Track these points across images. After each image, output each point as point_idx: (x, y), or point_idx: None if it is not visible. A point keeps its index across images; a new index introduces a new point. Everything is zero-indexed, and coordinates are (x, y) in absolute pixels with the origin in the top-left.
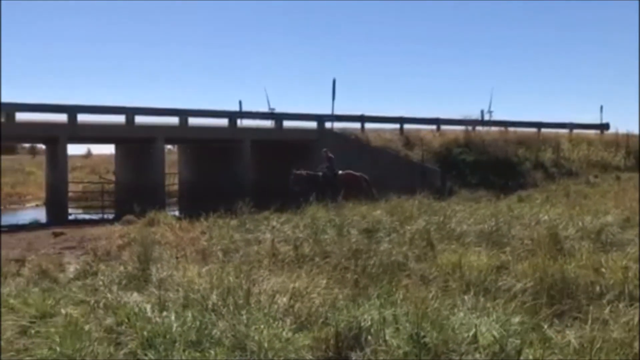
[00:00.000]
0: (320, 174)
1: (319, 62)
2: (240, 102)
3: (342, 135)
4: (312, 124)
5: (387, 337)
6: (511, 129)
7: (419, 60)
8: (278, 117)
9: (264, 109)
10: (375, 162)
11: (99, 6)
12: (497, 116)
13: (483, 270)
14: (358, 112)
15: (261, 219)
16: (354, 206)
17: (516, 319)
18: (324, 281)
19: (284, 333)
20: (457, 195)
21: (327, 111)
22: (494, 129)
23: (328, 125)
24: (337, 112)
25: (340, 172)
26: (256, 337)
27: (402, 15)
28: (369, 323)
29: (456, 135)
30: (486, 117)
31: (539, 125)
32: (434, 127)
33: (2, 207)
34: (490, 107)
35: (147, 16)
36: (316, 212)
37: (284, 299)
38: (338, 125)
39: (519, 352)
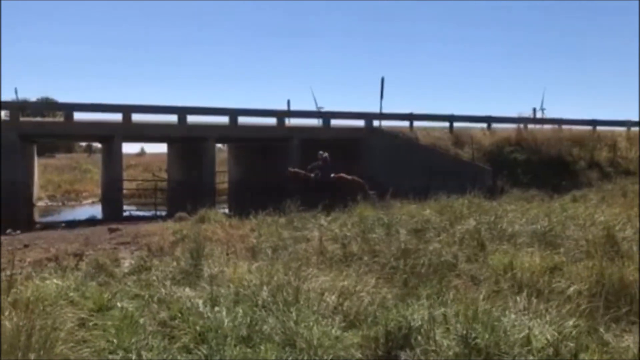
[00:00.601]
0: (313, 175)
1: (368, 60)
2: (288, 102)
3: (390, 134)
4: (360, 123)
5: (437, 338)
6: (565, 127)
7: (470, 58)
8: (326, 116)
9: (312, 108)
10: (424, 160)
11: (152, 9)
12: (550, 114)
13: (536, 272)
14: (407, 111)
15: (309, 217)
16: (402, 205)
17: (570, 322)
18: (373, 280)
19: (333, 331)
20: (509, 195)
21: (375, 110)
22: (547, 127)
23: (376, 123)
24: (386, 110)
25: (332, 175)
26: (306, 335)
27: (453, 13)
28: (419, 323)
29: (508, 133)
30: (539, 115)
31: (594, 123)
32: (484, 125)
33: (59, 204)
34: (542, 104)
35: (199, 19)
36: (364, 211)
37: (333, 297)
38: (386, 123)
39: (575, 356)
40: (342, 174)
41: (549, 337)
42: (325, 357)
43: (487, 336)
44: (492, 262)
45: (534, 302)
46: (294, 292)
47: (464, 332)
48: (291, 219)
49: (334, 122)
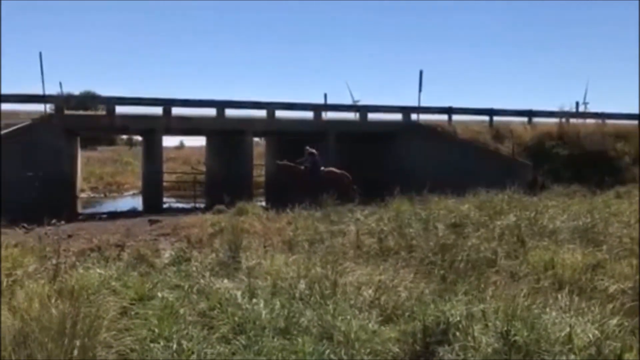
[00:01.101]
0: (303, 167)
1: (406, 53)
2: (325, 95)
3: (429, 128)
4: (397, 117)
5: (475, 334)
6: (609, 121)
7: (511, 51)
8: (363, 110)
9: (349, 101)
10: (463, 155)
11: (190, 5)
12: (594, 108)
13: (577, 269)
14: (445, 104)
15: (345, 211)
16: (440, 200)
17: (614, 321)
18: (410, 275)
19: (370, 325)
20: (550, 191)
21: (413, 103)
22: (590, 121)
23: (414, 117)
24: (424, 104)
25: (322, 168)
26: (343, 328)
27: (492, 5)
28: (457, 319)
29: (549, 127)
30: (581, 109)
31: (639, 117)
32: (525, 119)
33: (101, 195)
34: (585, 98)
35: (236, 14)
36: (401, 206)
37: (370, 291)
38: (424, 117)
39: (619, 356)
40: (332, 169)
41: (591, 336)
42: (362, 351)
43: (526, 334)
44: (532, 259)
45: (575, 300)
46: (331, 285)
47: (504, 329)
48: (327, 212)
49: (371, 116)
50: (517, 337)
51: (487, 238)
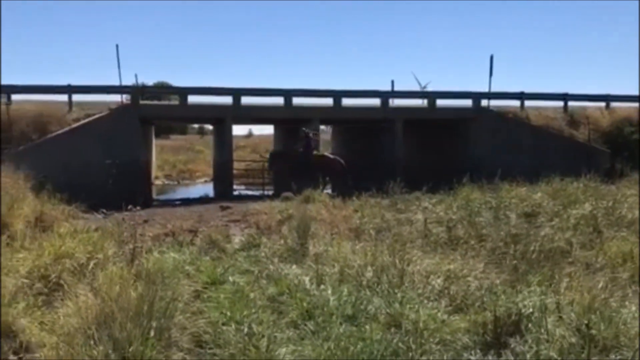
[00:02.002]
0: (300, 150)
1: (476, 38)
2: (392, 82)
3: (500, 114)
4: (467, 102)
5: (549, 326)
6: None
7: (586, 33)
8: (431, 96)
9: (417, 88)
10: (536, 142)
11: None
12: None
13: None
14: (517, 89)
15: (412, 199)
16: (511, 188)
17: None
18: (480, 265)
19: (439, 314)
20: (629, 179)
21: (484, 89)
22: None
23: (484, 103)
24: (495, 89)
25: (315, 153)
26: (411, 316)
27: None
28: (530, 310)
29: (628, 112)
30: None
31: None
32: (602, 104)
33: (174, 182)
34: None
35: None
36: (470, 194)
37: (439, 281)
38: (495, 103)
39: None
40: (325, 154)
41: None
42: (431, 340)
43: (604, 327)
44: (609, 250)
45: None
46: (398, 273)
47: (580, 322)
48: (394, 200)
49: (440, 103)
50: (593, 331)
51: (561, 228)
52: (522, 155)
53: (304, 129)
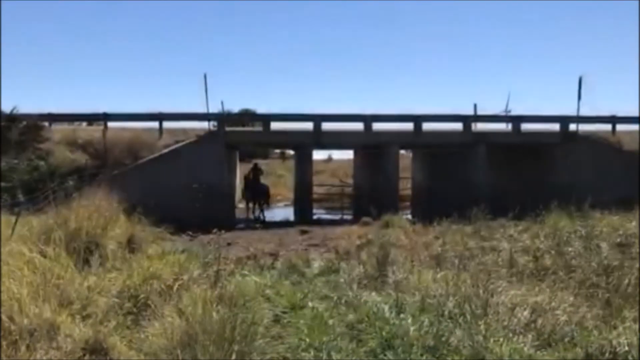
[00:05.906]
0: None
1: (564, 58)
2: (475, 105)
3: (589, 138)
4: (554, 127)
5: None
6: None
7: None
8: (516, 120)
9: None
10: (629, 167)
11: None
12: None
13: None
14: (608, 113)
15: (497, 226)
16: (603, 216)
17: None
18: (570, 297)
19: (525, 349)
20: None
21: (571, 112)
22: None
23: (573, 127)
24: (584, 113)
25: (263, 183)
26: (496, 350)
27: None
28: (625, 348)
29: None
30: None
31: None
32: None
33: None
34: None
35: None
36: (558, 221)
37: (525, 313)
38: (584, 127)
39: None
40: (262, 182)
41: None
42: None
43: None
44: None
45: None
46: (482, 304)
47: None
48: (478, 227)
49: (525, 126)
50: None
51: None
52: (615, 182)
53: (254, 162)
